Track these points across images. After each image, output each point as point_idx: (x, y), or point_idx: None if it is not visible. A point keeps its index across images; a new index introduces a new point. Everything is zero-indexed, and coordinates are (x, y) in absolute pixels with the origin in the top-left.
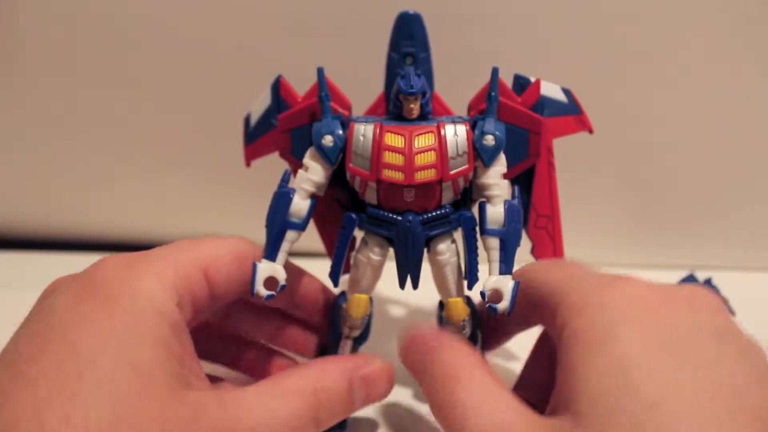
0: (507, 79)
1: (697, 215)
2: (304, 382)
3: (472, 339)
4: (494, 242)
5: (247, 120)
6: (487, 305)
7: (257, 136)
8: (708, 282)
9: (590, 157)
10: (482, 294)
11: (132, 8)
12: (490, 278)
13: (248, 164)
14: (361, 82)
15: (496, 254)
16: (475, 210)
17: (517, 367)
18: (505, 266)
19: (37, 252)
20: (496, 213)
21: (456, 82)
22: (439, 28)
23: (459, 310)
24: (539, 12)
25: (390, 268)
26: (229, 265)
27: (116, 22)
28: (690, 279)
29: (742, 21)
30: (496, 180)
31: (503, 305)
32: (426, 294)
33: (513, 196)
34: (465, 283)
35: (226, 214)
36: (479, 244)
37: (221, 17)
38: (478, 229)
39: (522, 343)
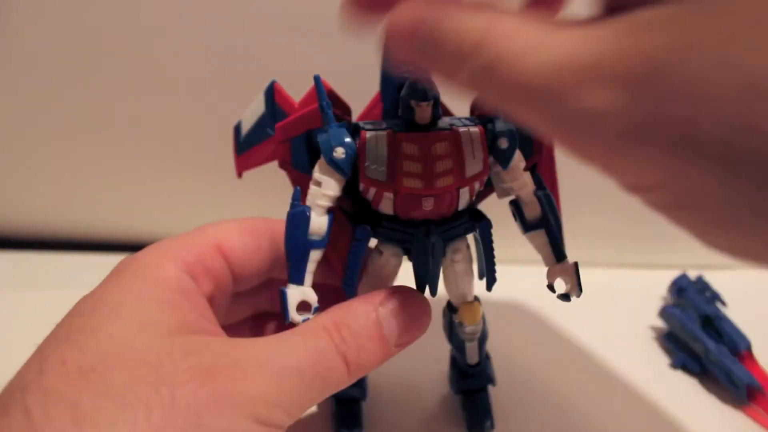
0: None
1: None
2: (323, 319)
3: (483, 338)
4: (541, 236)
5: (237, 129)
6: (558, 296)
7: (250, 146)
8: (700, 279)
9: None
10: (550, 288)
11: (131, 10)
12: (551, 271)
13: (240, 175)
14: (357, 84)
15: (547, 247)
16: (484, 207)
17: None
18: (559, 253)
19: (37, 252)
20: (532, 208)
21: None
22: None
23: (475, 312)
24: None
25: (405, 271)
26: (243, 237)
27: (115, 23)
28: (682, 279)
29: None
30: (521, 177)
31: (573, 291)
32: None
33: (539, 185)
34: (475, 283)
35: (225, 214)
36: (493, 245)
37: (220, 19)
38: (519, 226)
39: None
